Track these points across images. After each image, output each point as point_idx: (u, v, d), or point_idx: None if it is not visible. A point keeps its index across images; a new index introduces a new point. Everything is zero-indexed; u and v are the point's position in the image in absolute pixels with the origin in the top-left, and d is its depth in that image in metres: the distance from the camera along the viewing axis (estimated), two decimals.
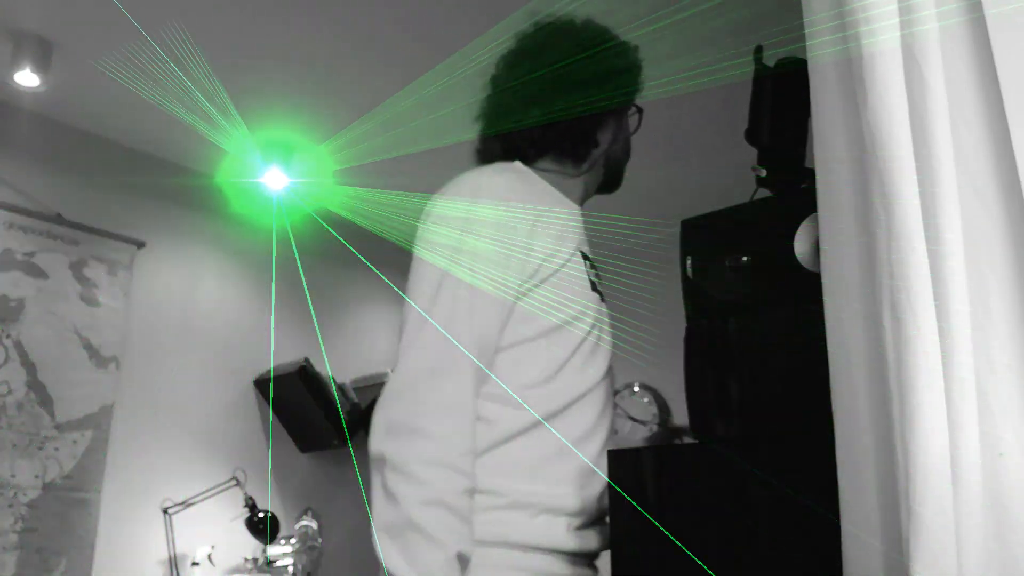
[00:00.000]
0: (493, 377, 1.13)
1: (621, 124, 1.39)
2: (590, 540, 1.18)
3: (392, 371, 1.13)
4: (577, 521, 1.16)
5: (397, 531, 1.01)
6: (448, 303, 1.11)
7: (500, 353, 1.15)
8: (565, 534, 1.14)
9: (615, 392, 1.37)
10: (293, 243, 3.67)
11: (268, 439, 3.58)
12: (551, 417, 1.16)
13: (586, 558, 1.20)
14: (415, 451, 1.03)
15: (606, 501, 1.19)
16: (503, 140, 1.34)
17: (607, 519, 1.22)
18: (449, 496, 1.02)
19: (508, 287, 1.14)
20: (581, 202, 1.37)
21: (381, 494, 1.05)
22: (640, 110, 1.43)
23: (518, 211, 1.16)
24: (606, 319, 1.29)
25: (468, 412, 1.09)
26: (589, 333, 1.22)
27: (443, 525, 1.01)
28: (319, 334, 3.82)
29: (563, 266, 1.20)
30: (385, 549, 1.01)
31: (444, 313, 1.11)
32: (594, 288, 1.27)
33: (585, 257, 1.28)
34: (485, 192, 1.18)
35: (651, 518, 1.09)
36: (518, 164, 1.31)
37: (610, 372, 1.28)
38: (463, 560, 1.03)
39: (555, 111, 1.29)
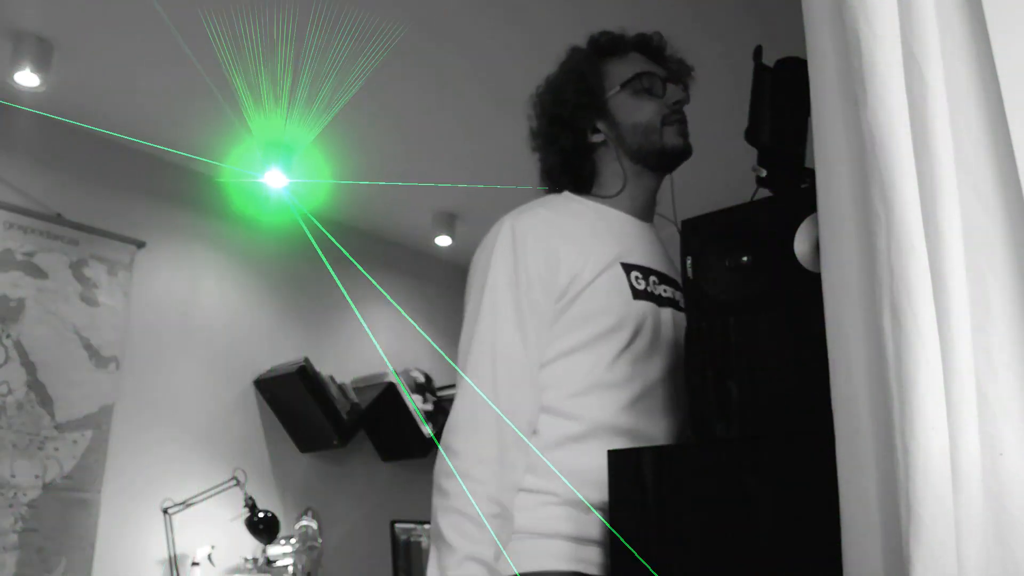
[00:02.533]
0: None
1: (616, 121, 1.38)
2: None
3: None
4: None
5: (433, 539, 1.15)
6: (484, 341, 1.22)
7: (545, 367, 1.23)
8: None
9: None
10: (293, 243, 3.67)
11: (269, 439, 3.58)
12: (603, 425, 1.22)
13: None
14: (445, 467, 1.16)
15: None
16: (549, 180, 1.45)
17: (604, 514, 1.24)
18: (466, 506, 1.12)
19: (543, 310, 1.23)
20: (640, 210, 1.41)
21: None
22: (631, 81, 1.39)
23: (538, 244, 1.26)
24: (668, 322, 1.32)
25: (489, 429, 1.17)
26: (633, 340, 1.26)
27: (459, 532, 1.11)
28: (319, 334, 3.82)
29: (593, 281, 1.25)
30: (429, 555, 1.14)
31: (481, 349, 1.22)
32: (641, 295, 1.29)
33: (632, 268, 1.31)
34: (505, 237, 1.27)
35: (651, 518, 1.09)
36: (566, 194, 1.41)
37: (676, 376, 1.31)
38: (477, 562, 1.11)
39: (544, 166, 1.44)
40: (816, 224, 0.97)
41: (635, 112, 1.38)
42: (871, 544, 0.76)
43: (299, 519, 3.31)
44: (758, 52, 1.29)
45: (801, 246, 1.09)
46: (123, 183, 3.26)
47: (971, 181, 0.76)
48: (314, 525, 3.27)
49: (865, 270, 0.80)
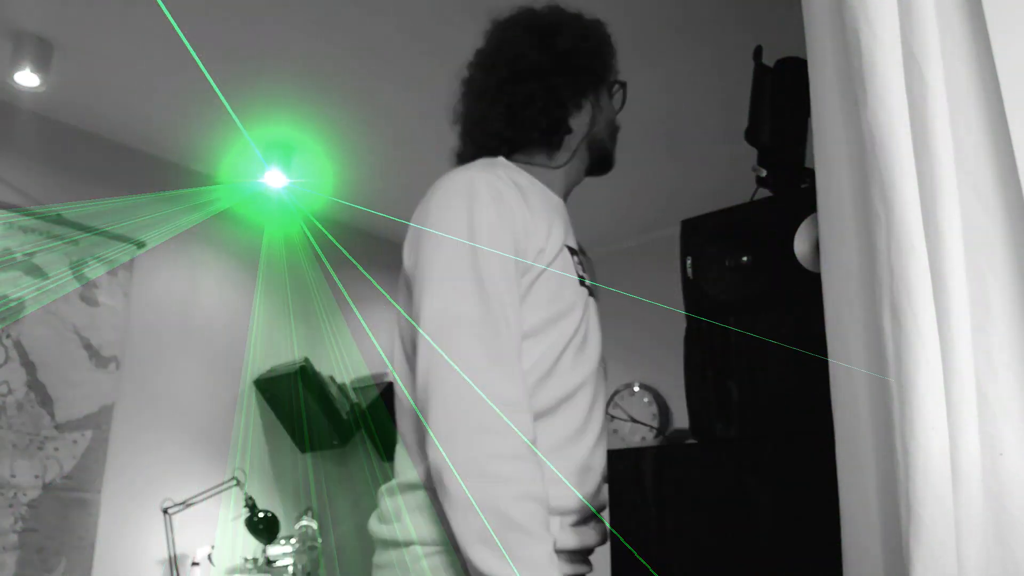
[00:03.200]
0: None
1: (600, 105, 1.35)
2: (587, 536, 1.17)
3: (422, 376, 1.06)
4: (573, 518, 1.15)
5: (489, 532, 0.95)
6: (478, 302, 1.06)
7: None
8: (561, 532, 1.11)
9: (614, 392, 1.38)
10: (293, 243, 3.67)
11: (269, 439, 3.58)
12: (543, 415, 1.13)
13: (582, 554, 1.18)
14: (488, 450, 0.98)
15: (603, 497, 1.18)
16: (478, 140, 1.33)
17: (603, 514, 1.21)
18: (535, 488, 0.99)
19: (517, 279, 1.12)
20: (565, 194, 1.35)
21: (459, 505, 0.98)
22: (623, 85, 1.39)
23: (512, 205, 1.14)
24: (594, 313, 1.27)
25: (525, 404, 1.04)
26: (578, 327, 1.19)
27: (538, 518, 0.97)
28: (319, 334, 3.82)
29: (553, 261, 1.18)
30: (484, 559, 0.95)
31: (478, 313, 1.06)
32: (582, 283, 1.24)
33: (573, 252, 1.26)
34: (481, 186, 1.14)
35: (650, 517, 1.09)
36: (501, 159, 1.29)
37: (601, 365, 1.26)
38: (558, 555, 1.00)
39: (518, 104, 1.28)
40: (816, 224, 0.97)
41: (612, 111, 1.39)
42: (871, 544, 0.76)
43: (299, 519, 3.31)
44: (758, 52, 1.29)
45: (801, 246, 1.09)
46: (123, 183, 3.26)
47: (971, 181, 0.76)
48: (314, 525, 3.27)
49: (865, 270, 0.80)
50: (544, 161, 1.32)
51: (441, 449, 0.99)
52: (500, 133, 1.30)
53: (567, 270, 1.21)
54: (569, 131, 1.32)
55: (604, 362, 1.29)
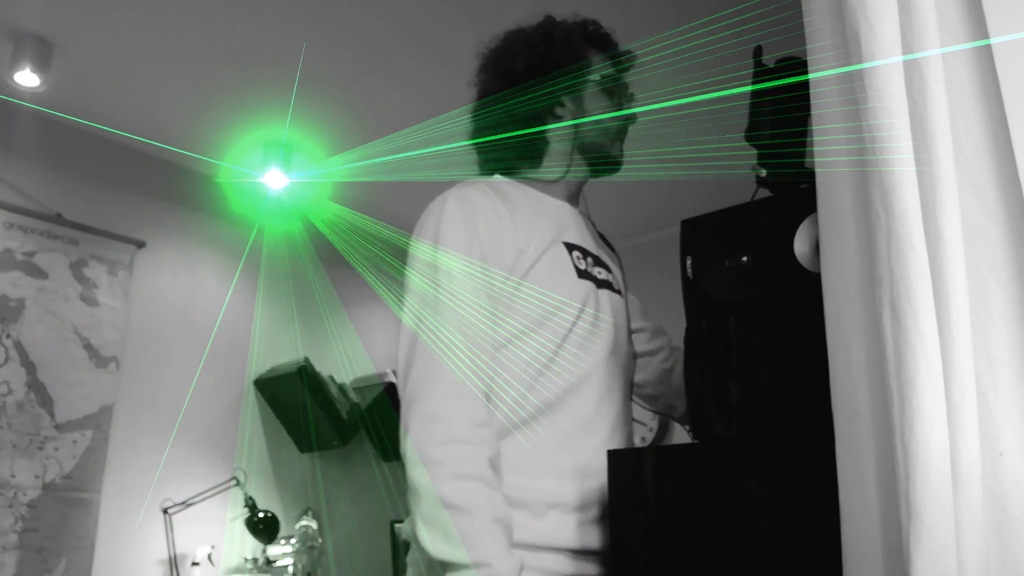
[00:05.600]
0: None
1: (583, 109, 1.37)
2: (590, 537, 1.18)
3: (399, 378, 1.17)
4: (584, 516, 1.17)
5: (432, 515, 1.04)
6: (438, 312, 1.16)
7: (496, 350, 1.18)
8: (574, 531, 1.15)
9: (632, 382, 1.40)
10: (293, 243, 3.67)
11: (269, 439, 3.58)
12: (546, 409, 1.19)
13: (586, 555, 1.18)
14: (427, 436, 1.08)
15: None
16: (482, 156, 1.41)
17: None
18: (469, 467, 1.06)
19: (496, 286, 1.19)
20: (570, 198, 1.40)
21: (410, 492, 1.08)
22: (618, 81, 1.40)
23: (481, 216, 1.22)
24: (605, 303, 1.30)
25: (471, 392, 1.12)
26: (577, 320, 1.23)
27: (472, 495, 1.04)
28: (318, 334, 3.82)
29: (538, 260, 1.23)
30: (428, 538, 1.04)
31: (437, 319, 1.16)
32: (583, 275, 1.28)
33: (572, 247, 1.30)
34: (451, 203, 1.23)
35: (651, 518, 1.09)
36: (497, 177, 1.38)
37: (614, 357, 1.29)
38: (502, 524, 1.05)
39: (489, 131, 1.38)
40: (816, 224, 0.97)
41: (601, 110, 1.38)
42: (871, 544, 0.76)
43: (299, 519, 3.31)
44: (758, 52, 1.29)
45: (801, 246, 1.09)
46: (123, 183, 3.26)
47: (971, 181, 0.76)
48: (314, 525, 3.27)
49: (865, 270, 0.80)
50: (537, 175, 1.37)
51: (402, 440, 1.10)
52: (493, 153, 1.39)
53: (561, 265, 1.26)
54: (546, 143, 1.36)
55: (621, 352, 1.31)
